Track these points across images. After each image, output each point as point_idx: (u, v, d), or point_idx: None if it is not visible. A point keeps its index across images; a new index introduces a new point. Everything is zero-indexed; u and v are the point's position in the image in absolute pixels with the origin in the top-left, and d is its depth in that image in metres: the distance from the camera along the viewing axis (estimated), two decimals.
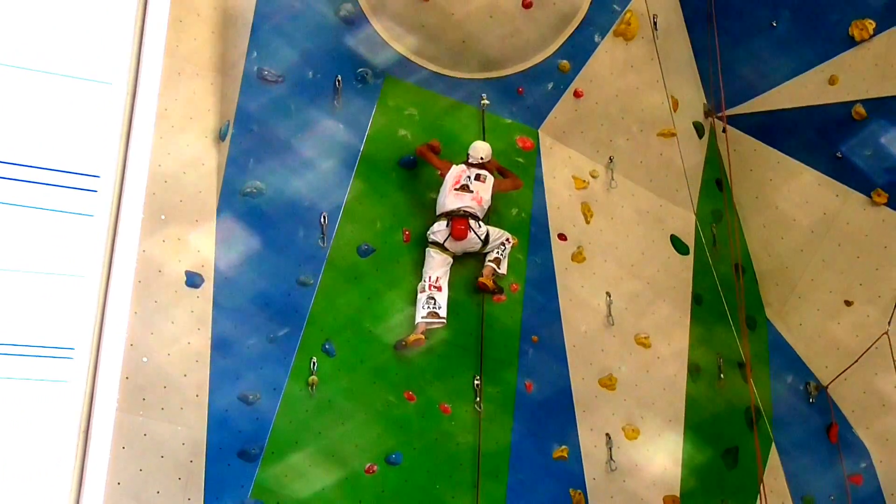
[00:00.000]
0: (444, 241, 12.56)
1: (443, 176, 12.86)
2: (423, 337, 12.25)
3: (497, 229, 12.85)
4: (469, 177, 12.79)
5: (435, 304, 12.39)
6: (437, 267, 12.55)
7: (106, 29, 12.30)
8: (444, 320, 12.39)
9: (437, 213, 12.73)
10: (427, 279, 12.50)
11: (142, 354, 10.93)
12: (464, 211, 12.58)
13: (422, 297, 12.42)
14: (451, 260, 12.63)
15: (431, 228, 12.65)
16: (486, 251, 12.78)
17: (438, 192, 12.87)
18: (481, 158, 12.96)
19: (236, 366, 11.39)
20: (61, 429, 11.05)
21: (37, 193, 12.47)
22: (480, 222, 12.68)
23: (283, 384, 11.53)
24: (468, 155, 12.99)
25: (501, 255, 12.80)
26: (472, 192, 12.69)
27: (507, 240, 12.88)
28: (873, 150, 14.85)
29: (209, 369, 11.27)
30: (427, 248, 12.65)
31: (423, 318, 12.35)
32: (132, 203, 11.47)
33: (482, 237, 12.63)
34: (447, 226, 12.57)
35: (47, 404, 11.98)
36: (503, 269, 12.83)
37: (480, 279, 12.68)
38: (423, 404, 12.17)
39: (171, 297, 11.31)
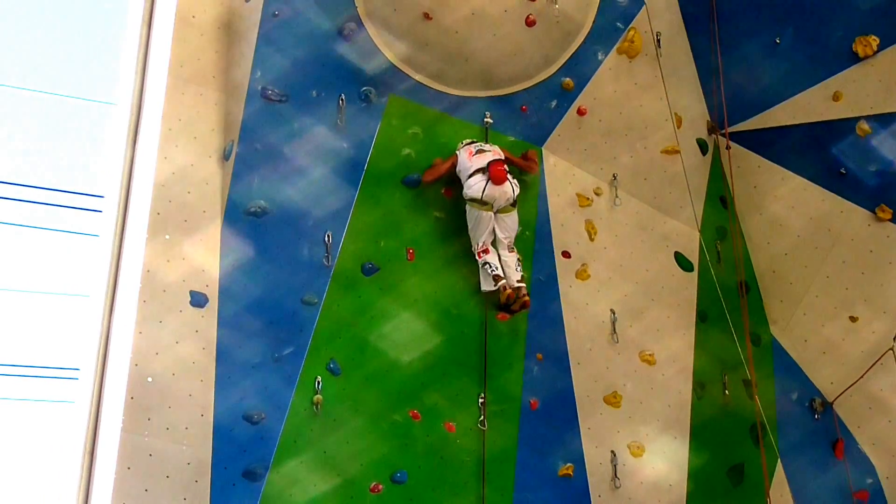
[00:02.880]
0: (483, 192, 12.59)
1: (452, 167, 13.02)
2: (511, 291, 12.53)
3: (516, 214, 12.95)
4: (478, 145, 13.03)
5: (491, 268, 12.61)
6: (482, 229, 12.71)
7: (109, 49, 12.38)
8: (504, 278, 12.58)
9: (467, 175, 12.81)
10: (476, 245, 12.76)
11: (147, 374, 10.93)
12: (497, 159, 12.76)
13: (481, 269, 12.69)
14: (492, 216, 12.73)
15: (467, 185, 12.75)
16: (500, 236, 12.81)
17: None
18: (468, 140, 13.28)
19: (241, 385, 11.39)
20: (66, 449, 11.06)
21: (42, 214, 12.51)
22: (513, 178, 12.82)
23: (288, 403, 11.53)
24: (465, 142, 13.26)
25: (521, 270, 12.84)
26: (488, 151, 12.88)
27: (513, 248, 12.92)
28: (878, 166, 14.84)
29: (214, 389, 11.27)
30: (467, 209, 12.81)
31: (491, 287, 12.60)
32: (136, 222, 11.50)
33: (516, 193, 12.77)
34: (484, 174, 12.64)
35: (52, 424, 12.01)
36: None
37: (525, 298, 12.71)
38: (428, 423, 12.16)
39: (176, 317, 11.31)
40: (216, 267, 11.71)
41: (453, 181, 13.08)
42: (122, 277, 11.40)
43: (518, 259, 12.83)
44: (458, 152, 13.06)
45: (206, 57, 12.55)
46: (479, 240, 12.72)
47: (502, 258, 12.77)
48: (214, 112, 12.42)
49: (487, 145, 13.01)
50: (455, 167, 13.02)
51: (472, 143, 13.16)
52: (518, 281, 12.70)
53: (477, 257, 12.72)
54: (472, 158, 12.83)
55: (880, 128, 14.77)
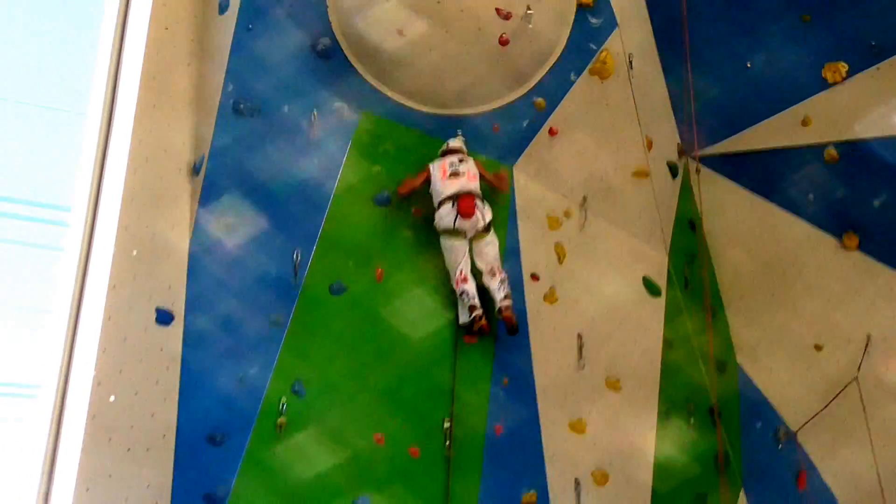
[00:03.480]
0: (455, 222, 12.55)
1: (425, 182, 12.91)
2: (485, 323, 12.52)
3: (495, 237, 12.91)
4: (453, 163, 12.88)
5: (467, 297, 12.53)
6: (458, 257, 12.66)
7: (80, 59, 12.14)
8: (481, 309, 12.53)
9: (437, 202, 12.75)
10: (454, 275, 12.66)
11: (109, 393, 10.69)
12: (467, 190, 12.68)
13: (459, 298, 12.64)
14: (467, 244, 12.70)
15: (438, 216, 12.69)
16: (480, 267, 12.78)
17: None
18: (447, 147, 13.15)
19: (205, 405, 11.20)
20: (24, 468, 10.82)
21: (5, 226, 12.27)
22: (485, 202, 12.80)
23: (252, 425, 11.36)
24: (443, 149, 13.15)
25: (509, 290, 12.75)
26: (463, 173, 12.79)
27: (501, 271, 12.85)
28: (845, 193, 14.90)
29: (177, 409, 11.08)
30: (441, 240, 12.73)
31: (467, 319, 12.55)
32: (104, 237, 11.27)
33: (487, 220, 12.72)
34: (453, 206, 12.58)
35: (10, 443, 11.74)
36: None
37: (507, 314, 12.59)
38: (393, 447, 11.99)
39: (141, 335, 11.09)
40: (183, 284, 11.52)
41: (425, 199, 12.97)
42: (87, 293, 11.15)
43: (501, 280, 12.74)
44: (430, 166, 12.96)
45: (178, 70, 12.37)
46: (456, 269, 12.63)
47: (485, 285, 12.71)
48: (185, 126, 12.24)
49: (462, 164, 12.88)
50: (428, 182, 12.91)
51: (448, 153, 13.06)
52: (503, 300, 12.63)
53: (455, 286, 12.62)
54: (444, 181, 12.74)
55: (848, 154, 14.78)
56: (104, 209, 11.47)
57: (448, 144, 13.18)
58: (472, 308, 12.48)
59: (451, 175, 12.75)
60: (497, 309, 12.58)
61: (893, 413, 14.43)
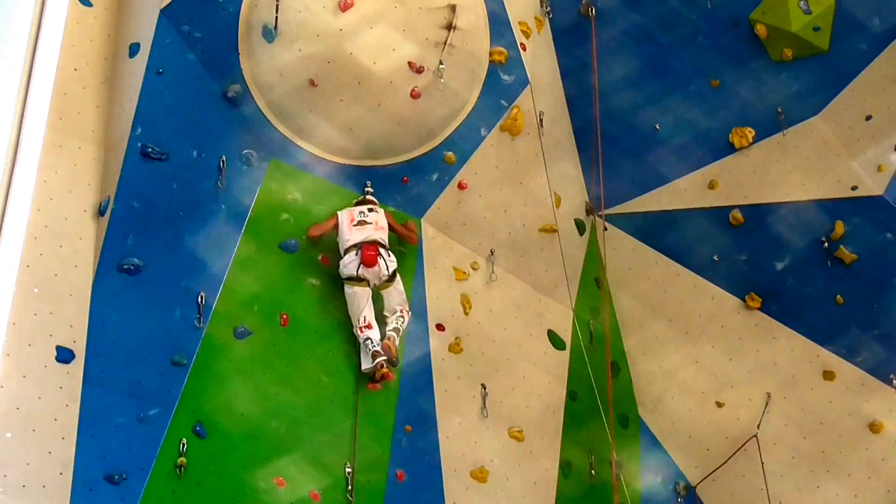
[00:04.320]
0: (357, 270, 12.68)
1: (333, 228, 13.06)
2: (388, 371, 12.61)
3: (400, 283, 13.03)
4: (362, 212, 13.06)
5: (372, 343, 12.58)
6: (361, 304, 12.75)
7: None
8: (385, 357, 12.58)
9: (343, 250, 12.89)
10: (357, 322, 12.72)
11: (5, 430, 10.59)
12: (372, 239, 12.80)
13: (362, 345, 12.67)
14: (370, 291, 12.80)
15: (342, 263, 12.85)
16: (385, 314, 12.91)
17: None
18: (366, 196, 13.39)
19: (103, 444, 11.05)
20: None
21: None
22: (389, 252, 12.95)
23: (151, 465, 11.20)
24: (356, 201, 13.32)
25: (400, 325, 12.89)
26: (370, 223, 12.96)
27: (407, 312, 13.00)
28: (748, 255, 15.18)
29: (75, 447, 10.95)
30: (344, 288, 12.83)
31: (370, 365, 12.57)
32: (5, 275, 11.25)
33: (391, 270, 12.86)
34: (356, 254, 12.72)
35: None
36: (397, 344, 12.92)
37: (385, 341, 12.69)
38: (293, 491, 11.88)
39: (41, 372, 11.01)
40: (85, 323, 11.45)
41: (333, 248, 13.09)
42: None
43: (399, 314, 12.94)
44: (339, 214, 13.11)
45: (86, 111, 12.44)
46: (360, 316, 12.74)
47: (388, 324, 12.87)
48: (92, 166, 12.28)
49: (371, 214, 13.05)
50: (337, 227, 13.04)
51: (360, 203, 13.25)
52: (390, 330, 12.82)
53: (359, 333, 12.71)
54: (351, 229, 12.91)
55: (753, 218, 15.07)
56: (6, 246, 11.43)
57: (364, 195, 13.39)
58: (375, 354, 12.55)
59: (358, 223, 12.93)
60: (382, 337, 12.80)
61: (791, 469, 14.64)
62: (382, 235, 13.02)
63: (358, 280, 12.75)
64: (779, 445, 14.73)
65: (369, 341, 12.62)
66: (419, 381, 13.17)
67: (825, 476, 14.68)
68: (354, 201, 13.32)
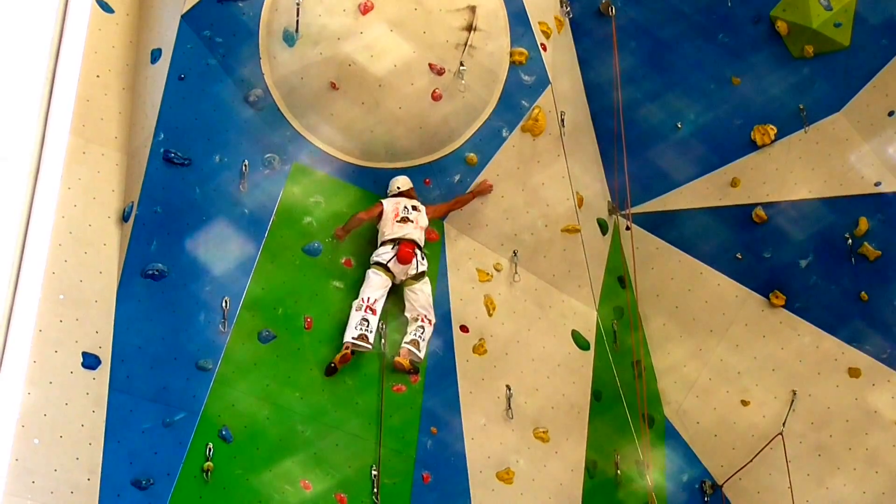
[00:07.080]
0: (389, 261, 12.80)
1: (374, 218, 13.13)
2: (349, 353, 12.44)
3: (428, 285, 13.08)
4: (406, 207, 13.14)
5: (367, 326, 12.57)
6: (376, 288, 12.79)
7: (11, 104, 12.17)
8: (371, 346, 12.57)
9: (381, 241, 13.01)
10: (364, 299, 12.70)
11: (33, 436, 10.70)
12: (411, 238, 12.92)
13: (356, 316, 12.61)
14: (389, 284, 12.88)
15: (376, 252, 12.94)
16: (407, 314, 12.99)
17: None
18: (398, 188, 13.39)
19: (130, 450, 11.16)
20: None
21: None
22: (424, 253, 13.07)
23: (178, 470, 11.29)
24: (392, 191, 13.40)
25: (420, 337, 12.89)
26: (412, 221, 13.05)
27: (430, 321, 12.99)
28: (772, 252, 15.13)
29: (102, 452, 11.04)
30: (368, 270, 12.88)
31: (353, 338, 12.51)
32: (31, 282, 11.30)
33: (420, 270, 12.97)
34: (393, 248, 12.84)
35: None
36: (421, 353, 12.89)
37: (397, 358, 12.75)
38: (319, 494, 11.94)
39: (67, 378, 11.11)
40: (110, 329, 11.54)
41: (356, 251, 13.20)
42: (13, 336, 11.14)
43: (420, 325, 12.92)
44: (384, 202, 13.20)
45: (109, 117, 12.53)
46: (365, 295, 12.74)
47: (407, 334, 12.89)
48: (115, 173, 12.38)
49: (414, 212, 13.15)
50: (381, 215, 13.16)
51: (402, 194, 13.35)
52: (406, 342, 12.84)
53: (359, 306, 12.68)
54: (394, 223, 13.03)
55: (776, 215, 15.03)
56: (32, 253, 11.50)
57: (398, 186, 13.42)
58: (361, 338, 12.51)
59: (402, 220, 13.02)
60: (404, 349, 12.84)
61: (817, 467, 14.58)
62: (420, 236, 13.14)
63: (385, 269, 12.83)
64: (804, 443, 14.66)
65: (365, 322, 12.59)
66: (444, 382, 13.17)
67: (852, 474, 14.61)
68: (390, 191, 13.41)
